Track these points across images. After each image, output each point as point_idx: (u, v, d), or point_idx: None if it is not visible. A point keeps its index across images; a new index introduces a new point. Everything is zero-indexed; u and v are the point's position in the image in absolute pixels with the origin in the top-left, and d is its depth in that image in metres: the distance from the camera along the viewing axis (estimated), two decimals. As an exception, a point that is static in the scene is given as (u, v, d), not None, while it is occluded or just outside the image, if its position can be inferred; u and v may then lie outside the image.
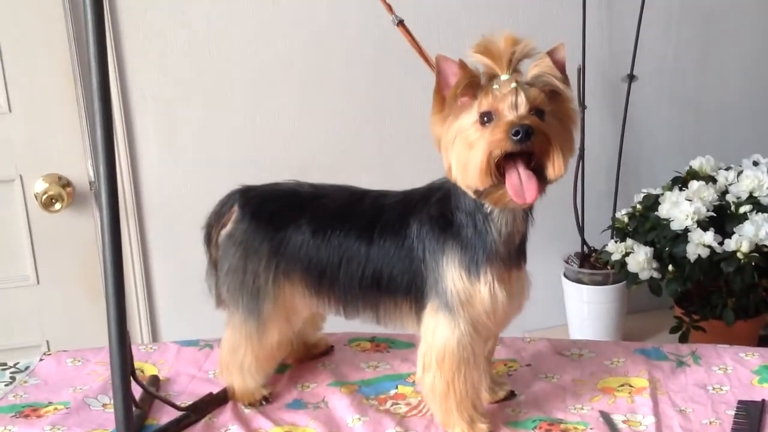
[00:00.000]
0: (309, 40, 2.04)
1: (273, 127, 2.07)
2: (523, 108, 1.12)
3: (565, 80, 1.16)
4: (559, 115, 1.16)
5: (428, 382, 1.26)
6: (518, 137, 1.09)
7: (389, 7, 1.35)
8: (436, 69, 1.16)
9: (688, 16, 2.25)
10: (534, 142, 1.10)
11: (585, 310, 2.17)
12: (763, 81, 2.35)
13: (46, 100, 1.93)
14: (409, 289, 1.26)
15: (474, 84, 1.14)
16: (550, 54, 1.15)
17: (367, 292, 1.29)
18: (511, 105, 1.12)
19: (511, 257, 1.23)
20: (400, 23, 1.35)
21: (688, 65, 2.28)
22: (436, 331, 1.24)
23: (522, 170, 1.12)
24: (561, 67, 1.16)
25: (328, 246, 1.29)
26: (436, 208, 1.24)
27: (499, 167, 1.12)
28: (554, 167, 1.12)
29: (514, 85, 1.12)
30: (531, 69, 1.15)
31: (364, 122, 2.12)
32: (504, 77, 1.13)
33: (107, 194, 1.16)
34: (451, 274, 1.22)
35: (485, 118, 1.13)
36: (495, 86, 1.13)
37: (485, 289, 1.21)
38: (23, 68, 1.90)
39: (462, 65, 1.14)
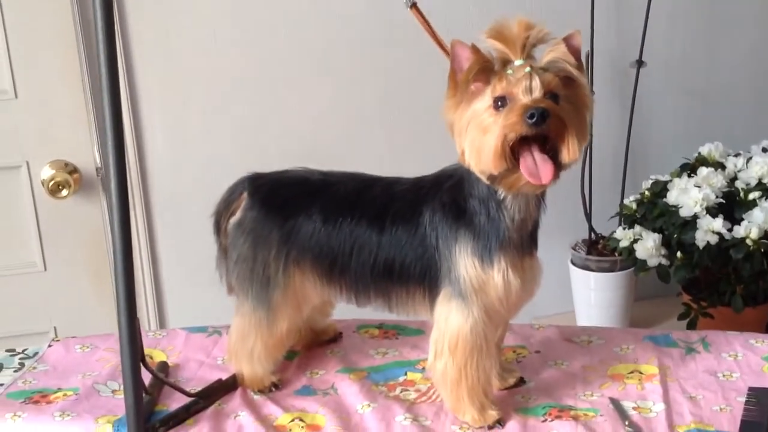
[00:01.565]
0: (314, 28, 2.03)
1: (279, 115, 2.07)
2: (537, 92, 1.11)
3: (580, 67, 1.16)
4: (573, 101, 1.15)
5: (440, 368, 1.26)
6: (533, 120, 1.09)
7: None
8: (450, 54, 1.15)
9: (696, 2, 2.24)
10: (549, 125, 1.10)
11: (592, 297, 2.17)
12: (772, 67, 2.34)
13: (53, 87, 1.92)
14: (423, 277, 1.26)
15: (487, 69, 1.14)
16: (566, 40, 1.15)
17: (379, 280, 1.28)
18: (525, 89, 1.11)
19: (523, 244, 1.23)
20: (413, 5, 1.34)
21: (697, 51, 2.27)
22: (449, 318, 1.24)
23: (537, 153, 1.12)
24: (576, 53, 1.15)
25: (339, 234, 1.29)
26: (448, 195, 1.23)
27: (513, 151, 1.12)
28: (569, 151, 1.12)
29: (528, 69, 1.11)
30: (546, 54, 1.15)
31: (371, 110, 2.11)
32: (518, 62, 1.12)
33: (116, 181, 1.16)
34: (464, 261, 1.21)
35: (499, 103, 1.12)
36: (509, 71, 1.12)
37: (499, 276, 1.21)
38: (29, 55, 1.89)
39: (475, 50, 1.13)
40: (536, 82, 1.11)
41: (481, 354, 1.24)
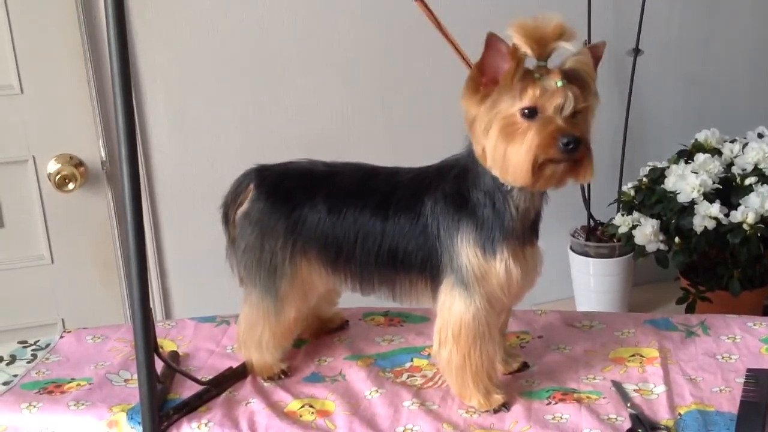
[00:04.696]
0: (317, 17, 2.05)
1: (283, 106, 2.08)
2: (568, 111, 1.12)
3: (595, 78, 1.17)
4: (587, 115, 1.17)
5: (445, 356, 1.29)
6: (568, 147, 1.11)
7: None
8: (485, 47, 1.13)
9: (693, -11, 2.26)
10: (578, 151, 1.12)
11: (591, 283, 2.20)
12: None
13: (58, 82, 1.94)
14: (425, 266, 1.28)
15: (517, 69, 1.13)
16: (592, 50, 1.16)
17: (383, 268, 1.31)
18: (557, 107, 1.12)
19: (525, 234, 1.25)
20: None
21: (694, 38, 2.29)
22: (452, 307, 1.26)
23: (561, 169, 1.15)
24: (596, 64, 1.17)
25: (343, 223, 1.31)
26: (452, 186, 1.25)
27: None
28: (585, 173, 1.16)
29: (561, 83, 1.12)
30: (570, 60, 1.15)
31: (374, 100, 2.13)
32: (543, 64, 1.12)
33: (128, 171, 1.18)
34: (466, 251, 1.24)
35: (527, 112, 1.13)
36: (537, 75, 1.12)
37: (501, 266, 1.23)
38: (34, 50, 1.91)
39: (514, 51, 1.12)
40: (570, 101, 1.11)
41: (483, 340, 1.27)
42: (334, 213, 1.31)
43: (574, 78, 1.14)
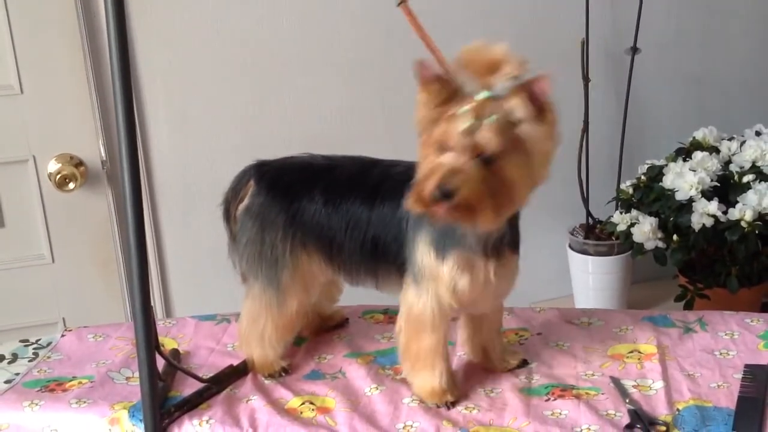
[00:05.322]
0: (317, 17, 2.05)
1: (283, 105, 2.09)
2: (466, 156, 1.08)
3: (542, 114, 1.09)
4: (515, 161, 1.10)
5: (401, 341, 1.33)
6: (440, 195, 1.09)
7: None
8: (417, 74, 1.12)
9: (690, -12, 2.27)
10: (458, 200, 1.09)
11: (590, 281, 2.21)
12: (765, 52, 2.37)
13: (57, 81, 1.95)
14: (397, 256, 1.30)
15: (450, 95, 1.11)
16: (529, 85, 1.08)
17: (367, 257, 1.33)
18: (455, 147, 1.09)
19: (488, 249, 1.23)
20: (402, 2, 1.32)
21: (691, 37, 2.30)
22: (406, 298, 1.30)
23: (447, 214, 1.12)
24: (539, 99, 1.09)
25: (337, 213, 1.33)
26: None
27: None
28: (478, 222, 1.12)
29: (468, 124, 1.08)
30: (505, 98, 1.09)
31: (374, 100, 2.13)
32: (462, 111, 1.08)
33: (129, 170, 1.19)
34: (421, 249, 1.25)
35: (436, 146, 1.12)
36: (458, 110, 1.09)
37: (449, 273, 1.23)
38: (34, 50, 1.91)
39: (437, 80, 1.11)
40: (468, 142, 1.08)
41: (425, 333, 1.29)
42: (330, 204, 1.33)
43: (502, 122, 1.08)
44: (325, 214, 1.33)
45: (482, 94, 1.08)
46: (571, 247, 2.23)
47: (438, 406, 1.30)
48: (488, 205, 1.10)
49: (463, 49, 1.10)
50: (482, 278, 1.24)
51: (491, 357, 1.40)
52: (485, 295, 1.28)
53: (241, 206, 1.38)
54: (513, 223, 1.25)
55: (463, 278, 1.24)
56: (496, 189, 1.10)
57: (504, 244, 1.25)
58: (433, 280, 1.25)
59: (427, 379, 1.31)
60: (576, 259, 2.22)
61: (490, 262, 1.24)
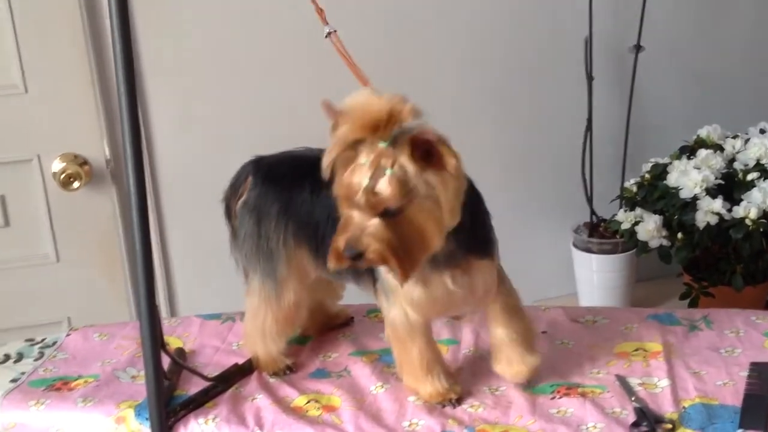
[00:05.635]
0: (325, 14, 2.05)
1: (289, 103, 2.08)
2: (370, 213, 1.08)
3: (437, 160, 1.07)
4: (413, 213, 1.09)
5: (393, 351, 1.34)
6: (350, 256, 1.10)
7: (322, 15, 1.32)
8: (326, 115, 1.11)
9: (694, -15, 2.27)
10: (368, 260, 1.10)
11: (594, 279, 2.21)
12: (769, 50, 2.37)
13: (61, 80, 1.95)
14: None
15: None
16: (415, 135, 1.06)
17: None
18: (359, 205, 1.09)
19: (439, 261, 1.20)
20: (329, 35, 1.32)
21: (695, 35, 2.29)
22: (382, 307, 1.30)
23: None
24: (430, 146, 1.07)
25: (320, 203, 1.31)
26: None
27: None
28: (396, 274, 1.12)
29: (366, 180, 1.07)
30: (396, 151, 1.08)
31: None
32: (362, 163, 1.07)
33: (134, 169, 1.19)
34: None
35: (341, 201, 1.12)
36: (361, 161, 1.08)
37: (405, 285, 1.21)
38: (38, 49, 1.91)
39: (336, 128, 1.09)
40: (369, 199, 1.07)
41: (408, 341, 1.29)
42: (316, 193, 1.32)
43: (398, 174, 1.07)
44: (310, 203, 1.33)
45: (380, 144, 1.07)
46: (574, 245, 2.23)
47: (443, 405, 1.30)
48: (399, 258, 1.10)
49: (351, 100, 1.09)
50: (440, 289, 1.23)
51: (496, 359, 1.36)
52: (450, 305, 1.26)
53: (240, 201, 1.39)
54: (477, 231, 1.23)
55: (417, 290, 1.23)
56: (406, 240, 1.10)
57: (462, 253, 1.21)
58: (394, 292, 1.26)
59: (428, 384, 1.31)
60: (580, 258, 2.22)
61: (445, 273, 1.22)
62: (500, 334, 1.32)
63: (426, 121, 1.09)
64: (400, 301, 1.26)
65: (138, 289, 1.24)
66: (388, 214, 1.09)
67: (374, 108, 1.07)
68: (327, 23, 1.31)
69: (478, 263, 1.24)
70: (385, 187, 1.07)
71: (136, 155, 1.20)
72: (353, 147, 1.09)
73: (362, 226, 1.10)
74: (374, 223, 1.09)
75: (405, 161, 1.07)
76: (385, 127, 1.06)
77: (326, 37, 1.30)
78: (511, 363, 1.32)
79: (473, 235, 1.22)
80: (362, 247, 1.09)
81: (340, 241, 1.11)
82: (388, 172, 1.07)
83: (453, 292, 1.23)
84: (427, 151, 1.07)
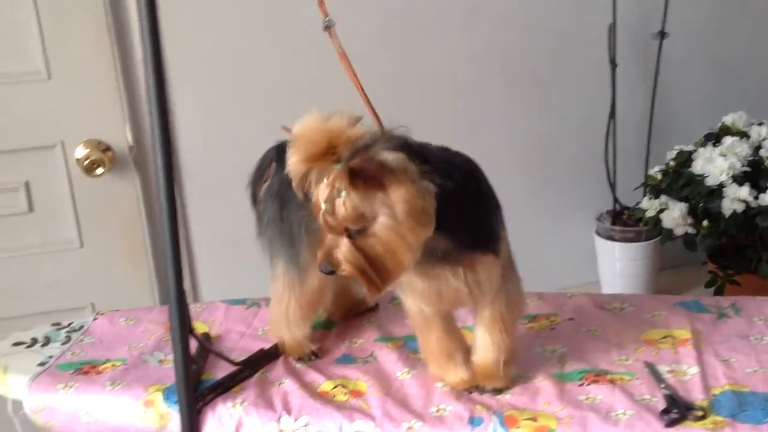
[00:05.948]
0: (349, 4, 2.04)
1: (314, 89, 2.07)
2: (337, 232, 1.10)
3: (385, 181, 1.07)
4: (388, 221, 1.09)
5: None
6: (326, 272, 1.12)
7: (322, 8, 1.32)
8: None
9: (719, -29, 2.25)
10: (343, 273, 1.11)
11: (617, 267, 2.20)
12: (795, 36, 2.34)
13: (84, 67, 1.94)
14: None
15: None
16: (351, 168, 1.05)
17: None
18: (326, 225, 1.10)
19: (437, 256, 1.19)
20: (327, 28, 1.32)
21: (720, 21, 2.27)
22: (401, 297, 1.31)
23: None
24: (374, 171, 1.06)
25: None
26: None
27: None
28: (368, 288, 1.13)
29: (324, 206, 1.07)
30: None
31: (394, 79, 2.11)
32: (323, 186, 1.07)
33: (162, 154, 1.20)
34: None
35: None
36: (323, 183, 1.08)
37: (406, 277, 1.21)
38: (61, 35, 1.91)
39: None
40: (333, 220, 1.08)
41: (426, 330, 1.30)
42: None
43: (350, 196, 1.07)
44: None
45: (337, 166, 1.06)
46: (597, 233, 2.22)
47: (470, 392, 1.30)
48: (368, 276, 1.11)
49: (296, 128, 1.08)
50: (443, 285, 1.23)
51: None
52: (457, 299, 1.25)
53: (264, 186, 1.39)
54: (479, 227, 1.22)
55: (419, 284, 1.23)
56: (376, 257, 1.11)
57: (462, 249, 1.21)
58: (402, 285, 1.26)
59: (452, 371, 1.31)
60: (603, 245, 2.21)
61: (446, 269, 1.22)
62: (480, 335, 1.32)
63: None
64: (406, 293, 1.27)
65: (167, 273, 1.24)
66: (353, 234, 1.10)
67: (314, 139, 1.06)
68: (326, 15, 1.31)
69: (481, 258, 1.23)
70: (341, 209, 1.07)
71: (165, 145, 1.20)
72: (317, 157, 1.06)
73: (334, 243, 1.11)
74: (344, 242, 1.10)
75: (348, 188, 1.07)
76: (324, 158, 1.05)
77: (324, 30, 1.30)
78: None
79: (475, 231, 1.21)
80: (334, 264, 1.11)
81: (318, 256, 1.13)
82: (343, 194, 1.07)
83: (457, 287, 1.23)
84: (373, 175, 1.07)
